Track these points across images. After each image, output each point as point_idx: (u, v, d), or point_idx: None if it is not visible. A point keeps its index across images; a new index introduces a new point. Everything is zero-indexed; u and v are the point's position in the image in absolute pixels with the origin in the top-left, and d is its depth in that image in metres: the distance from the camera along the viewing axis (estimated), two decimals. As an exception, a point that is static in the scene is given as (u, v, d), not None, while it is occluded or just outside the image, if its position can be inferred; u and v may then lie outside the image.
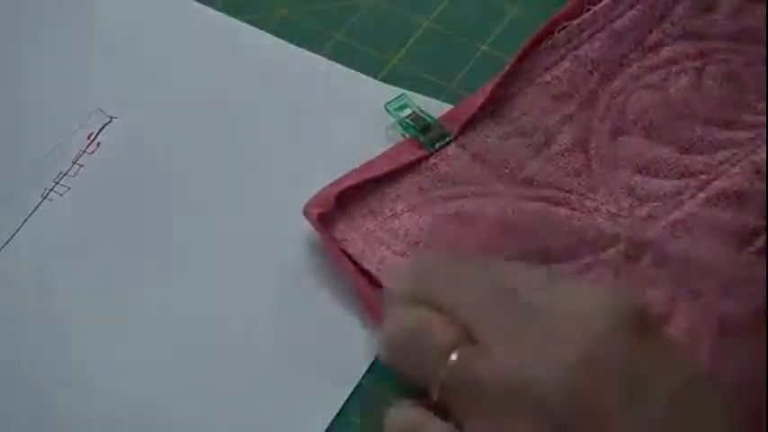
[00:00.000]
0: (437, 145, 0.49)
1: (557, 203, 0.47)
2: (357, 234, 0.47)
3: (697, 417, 0.36)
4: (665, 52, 0.51)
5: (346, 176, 0.48)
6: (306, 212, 0.47)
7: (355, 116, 0.52)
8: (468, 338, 0.38)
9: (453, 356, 0.38)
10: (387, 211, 0.48)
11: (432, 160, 0.49)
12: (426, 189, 0.48)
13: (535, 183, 0.48)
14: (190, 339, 0.45)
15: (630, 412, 0.35)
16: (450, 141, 0.50)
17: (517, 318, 0.37)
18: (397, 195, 0.48)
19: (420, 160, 0.49)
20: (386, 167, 0.48)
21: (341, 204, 0.47)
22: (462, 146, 0.49)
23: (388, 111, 0.51)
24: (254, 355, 0.45)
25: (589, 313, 0.37)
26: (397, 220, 0.47)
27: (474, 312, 0.38)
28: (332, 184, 0.48)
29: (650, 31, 0.52)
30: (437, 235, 0.47)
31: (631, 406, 0.35)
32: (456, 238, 0.46)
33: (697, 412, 0.36)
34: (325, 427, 0.43)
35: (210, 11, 0.56)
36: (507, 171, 0.49)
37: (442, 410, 0.38)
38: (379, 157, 0.49)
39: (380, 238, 0.47)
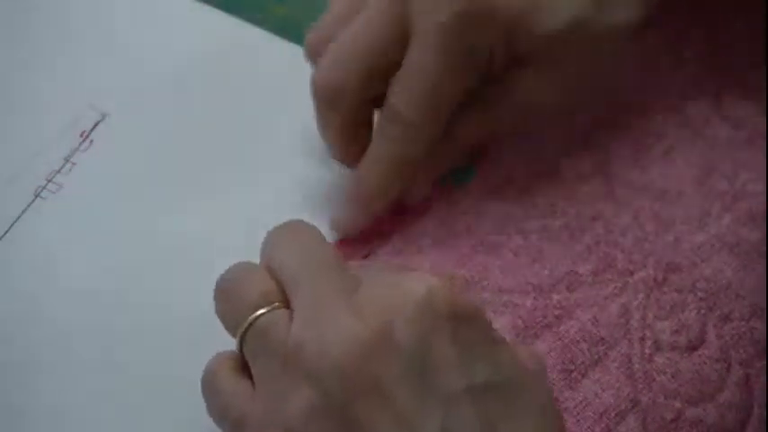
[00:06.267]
0: (459, 178, 0.49)
1: (582, 229, 0.47)
2: None
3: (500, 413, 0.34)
4: (683, 74, 0.52)
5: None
6: None
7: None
8: (284, 302, 0.37)
9: (258, 312, 0.37)
10: (413, 247, 0.47)
11: (455, 194, 0.49)
12: (451, 223, 0.48)
13: (558, 210, 0.48)
14: (186, 339, 0.45)
15: (416, 395, 0.34)
16: (472, 174, 0.49)
17: (335, 290, 0.36)
18: (422, 231, 0.48)
19: (443, 194, 0.48)
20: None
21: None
22: (484, 177, 0.49)
23: None
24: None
25: (402, 296, 0.35)
26: (422, 255, 0.47)
27: (294, 277, 0.37)
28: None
29: (666, 55, 0.52)
30: (463, 267, 0.46)
31: (418, 391, 0.34)
32: (482, 269, 0.46)
33: (500, 409, 0.34)
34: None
35: (209, 9, 0.56)
36: (529, 199, 0.48)
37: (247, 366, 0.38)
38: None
39: None
